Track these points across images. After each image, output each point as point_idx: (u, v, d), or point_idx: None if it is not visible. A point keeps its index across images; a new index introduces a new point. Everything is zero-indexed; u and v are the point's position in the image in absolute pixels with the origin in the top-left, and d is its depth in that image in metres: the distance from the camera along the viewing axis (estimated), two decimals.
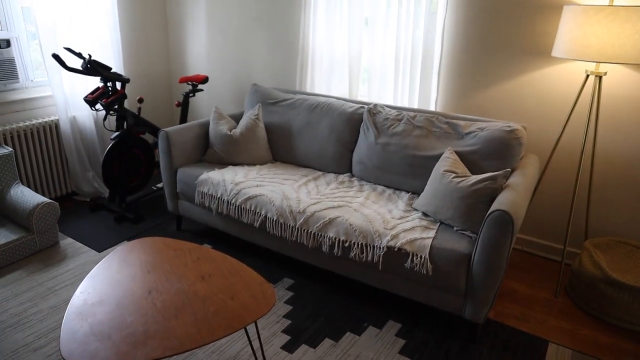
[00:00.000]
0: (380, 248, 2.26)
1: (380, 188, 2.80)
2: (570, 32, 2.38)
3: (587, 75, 2.60)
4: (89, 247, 3.00)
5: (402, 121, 2.82)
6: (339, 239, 2.36)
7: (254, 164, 3.11)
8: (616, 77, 2.65)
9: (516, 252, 3.18)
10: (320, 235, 2.42)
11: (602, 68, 2.62)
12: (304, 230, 2.47)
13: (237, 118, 3.42)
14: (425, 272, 2.17)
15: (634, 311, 2.42)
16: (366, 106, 2.99)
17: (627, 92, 2.64)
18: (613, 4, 2.52)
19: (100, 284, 1.86)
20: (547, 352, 2.26)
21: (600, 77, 2.57)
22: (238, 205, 2.69)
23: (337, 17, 3.30)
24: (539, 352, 2.26)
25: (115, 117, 3.77)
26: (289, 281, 2.71)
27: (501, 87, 2.95)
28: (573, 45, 2.38)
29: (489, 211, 2.05)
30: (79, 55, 3.15)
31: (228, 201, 2.73)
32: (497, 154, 2.52)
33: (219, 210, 2.79)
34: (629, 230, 2.85)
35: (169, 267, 2.01)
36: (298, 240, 2.51)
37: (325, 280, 2.73)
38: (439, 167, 2.47)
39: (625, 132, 2.71)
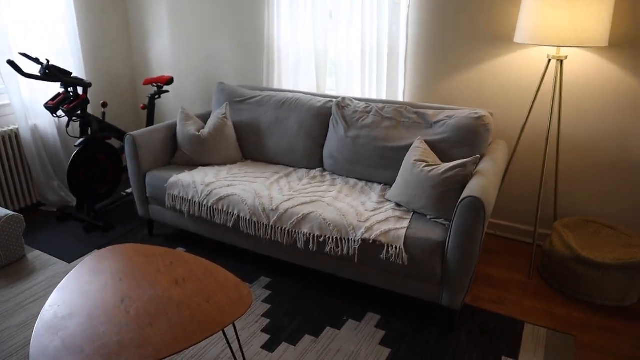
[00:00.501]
0: (355, 241, 2.26)
1: (352, 181, 2.80)
2: (531, 17, 2.42)
3: (549, 60, 2.65)
4: (58, 258, 2.91)
5: (371, 113, 2.83)
6: (314, 235, 2.35)
7: (225, 164, 3.07)
8: (577, 60, 2.71)
9: (489, 236, 3.23)
10: (295, 231, 2.41)
11: (563, 52, 2.67)
12: (277, 227, 2.45)
13: (205, 118, 3.36)
14: (401, 262, 2.18)
15: (603, 287, 2.49)
16: (334, 100, 2.98)
17: (588, 74, 2.70)
18: None
19: (70, 296, 1.81)
20: (524, 333, 2.30)
21: (562, 61, 2.62)
22: (210, 207, 2.65)
23: (301, 11, 3.28)
24: (516, 333, 2.30)
25: (78, 123, 3.66)
26: (266, 280, 2.68)
27: (467, 75, 2.98)
28: (534, 31, 2.41)
29: (461, 198, 2.07)
30: (36, 60, 3.04)
31: (199, 203, 2.68)
32: (465, 141, 2.54)
33: (191, 213, 2.75)
34: (596, 209, 2.93)
35: (141, 273, 1.96)
36: (272, 238, 2.49)
37: (302, 277, 2.72)
38: (410, 157, 2.48)
39: (588, 114, 2.77)
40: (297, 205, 2.46)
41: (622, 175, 2.80)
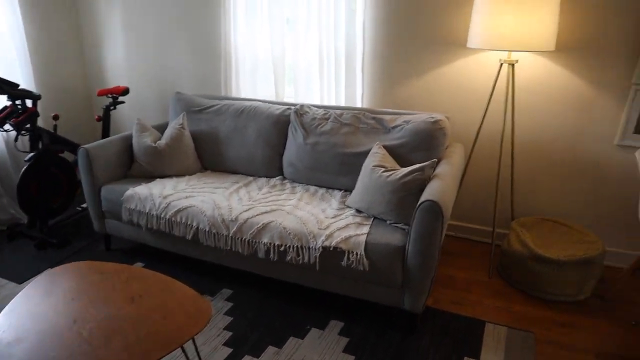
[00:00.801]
0: (315, 249, 2.25)
1: (312, 188, 2.80)
2: (481, 23, 2.47)
3: (501, 64, 2.72)
4: (7, 279, 2.78)
5: (330, 120, 2.83)
6: (274, 244, 2.33)
7: (183, 175, 3.01)
8: (527, 64, 2.79)
9: (450, 238, 3.28)
10: (255, 241, 2.38)
11: (514, 56, 2.74)
12: (237, 238, 2.41)
13: (162, 129, 3.29)
14: (362, 268, 2.18)
15: (558, 283, 2.56)
16: (293, 107, 2.97)
17: (538, 77, 2.79)
18: None
19: (17, 320, 1.72)
20: (485, 333, 2.34)
21: (513, 65, 2.69)
22: (168, 219, 2.59)
23: (258, 18, 3.26)
24: (477, 333, 2.33)
25: (28, 137, 3.53)
26: (228, 291, 2.64)
27: (424, 80, 3.03)
28: (485, 36, 2.47)
29: (419, 202, 2.09)
30: None
31: (157, 216, 2.62)
32: (423, 145, 2.57)
33: (149, 226, 2.68)
34: (551, 207, 3.01)
35: (95, 292, 1.89)
36: (233, 249, 2.45)
37: (264, 287, 2.69)
38: (369, 163, 2.50)
39: (540, 115, 2.85)
40: (257, 214, 2.43)
41: (574, 173, 2.89)
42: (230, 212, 2.46)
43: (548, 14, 2.36)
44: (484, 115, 2.83)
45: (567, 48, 2.68)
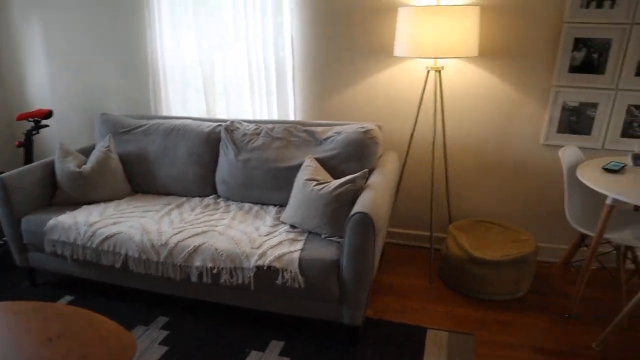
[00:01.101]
0: (249, 269, 2.18)
1: (247, 206, 2.73)
2: (406, 32, 2.50)
3: (428, 71, 2.76)
4: None
5: (261, 135, 2.78)
6: (207, 267, 2.24)
7: (112, 200, 2.87)
8: (454, 70, 2.84)
9: (391, 245, 3.28)
10: (187, 265, 2.29)
11: (440, 63, 2.78)
12: (169, 263, 2.31)
13: (87, 152, 3.13)
14: (297, 285, 2.13)
15: (496, 283, 2.60)
16: (223, 124, 2.89)
17: (465, 82, 2.85)
18: (439, 4, 2.69)
19: None
20: (426, 339, 2.34)
21: (439, 72, 2.73)
22: (94, 248, 2.45)
23: (185, 33, 3.17)
24: (419, 340, 2.33)
25: None
26: (163, 319, 2.52)
27: (356, 89, 3.03)
28: (410, 45, 2.49)
29: (350, 215, 2.06)
30: None
31: (83, 245, 2.47)
32: (355, 156, 2.56)
33: (75, 257, 2.53)
34: (486, 208, 3.08)
35: (7, 335, 1.75)
36: (164, 275, 2.35)
37: (200, 311, 2.59)
38: (301, 177, 2.46)
39: (470, 119, 2.91)
40: (188, 237, 2.34)
41: (505, 174, 2.96)
42: (160, 237, 2.36)
43: (469, 22, 2.42)
44: (415, 122, 2.86)
45: (491, 53, 2.75)
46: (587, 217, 2.54)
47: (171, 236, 2.35)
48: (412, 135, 2.87)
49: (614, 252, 2.67)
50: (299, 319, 2.50)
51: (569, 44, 2.65)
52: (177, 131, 2.94)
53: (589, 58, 2.65)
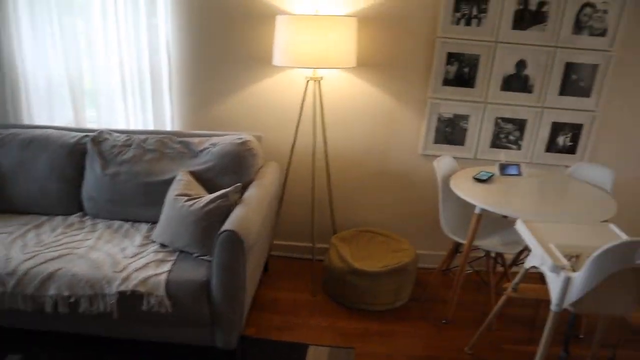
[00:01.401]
0: (110, 295, 1.99)
1: (117, 224, 2.51)
2: (284, 42, 2.44)
3: (307, 81, 2.73)
4: None
5: (132, 146, 2.58)
6: (62, 295, 2.02)
7: None
8: (334, 80, 2.84)
9: (275, 258, 3.20)
10: (40, 295, 2.04)
11: (319, 73, 2.76)
12: (18, 293, 2.04)
13: None
14: (164, 310, 1.98)
15: (377, 294, 2.62)
16: (90, 134, 2.66)
17: (346, 93, 2.85)
18: (318, 14, 2.67)
19: None
20: (307, 356, 2.28)
21: (319, 82, 2.71)
22: None
23: (48, 34, 2.87)
24: (299, 358, 2.27)
25: None
26: (14, 358, 2.24)
27: (236, 98, 2.92)
28: (288, 54, 2.44)
29: (218, 233, 1.95)
30: None
31: None
32: (231, 169, 2.46)
33: None
34: (370, 217, 3.11)
35: None
36: (13, 307, 2.08)
37: (61, 345, 2.32)
38: (172, 192, 2.30)
39: (351, 129, 2.92)
40: (42, 262, 2.09)
41: (387, 183, 3.01)
42: (6, 264, 2.08)
43: (346, 34, 2.42)
44: (296, 132, 2.82)
45: (370, 64, 2.78)
46: (460, 226, 2.64)
47: (21, 262, 2.09)
48: (293, 145, 2.82)
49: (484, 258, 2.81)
50: (171, 345, 2.34)
51: (443, 58, 2.74)
52: (37, 142, 2.65)
53: (461, 72, 2.77)
